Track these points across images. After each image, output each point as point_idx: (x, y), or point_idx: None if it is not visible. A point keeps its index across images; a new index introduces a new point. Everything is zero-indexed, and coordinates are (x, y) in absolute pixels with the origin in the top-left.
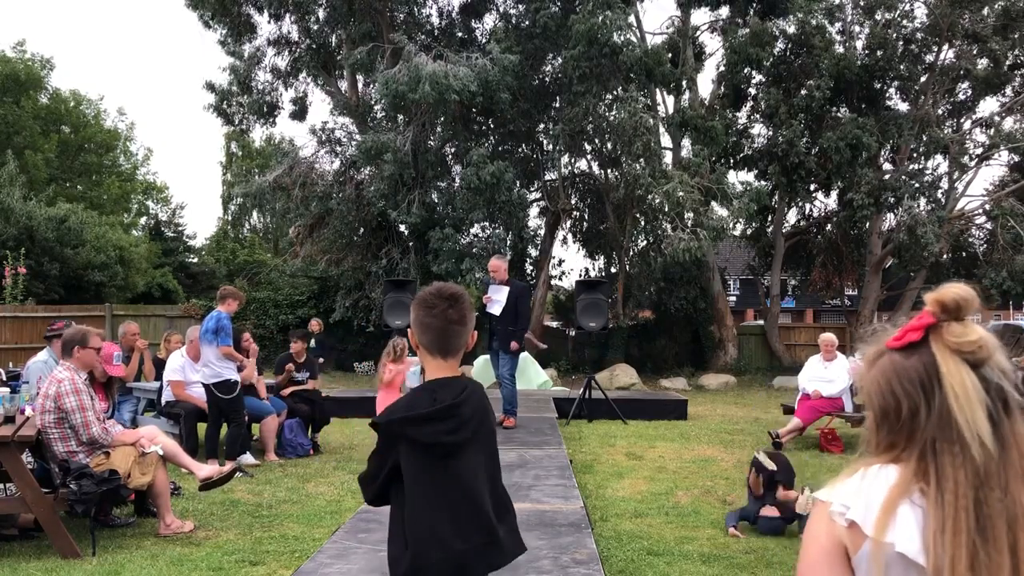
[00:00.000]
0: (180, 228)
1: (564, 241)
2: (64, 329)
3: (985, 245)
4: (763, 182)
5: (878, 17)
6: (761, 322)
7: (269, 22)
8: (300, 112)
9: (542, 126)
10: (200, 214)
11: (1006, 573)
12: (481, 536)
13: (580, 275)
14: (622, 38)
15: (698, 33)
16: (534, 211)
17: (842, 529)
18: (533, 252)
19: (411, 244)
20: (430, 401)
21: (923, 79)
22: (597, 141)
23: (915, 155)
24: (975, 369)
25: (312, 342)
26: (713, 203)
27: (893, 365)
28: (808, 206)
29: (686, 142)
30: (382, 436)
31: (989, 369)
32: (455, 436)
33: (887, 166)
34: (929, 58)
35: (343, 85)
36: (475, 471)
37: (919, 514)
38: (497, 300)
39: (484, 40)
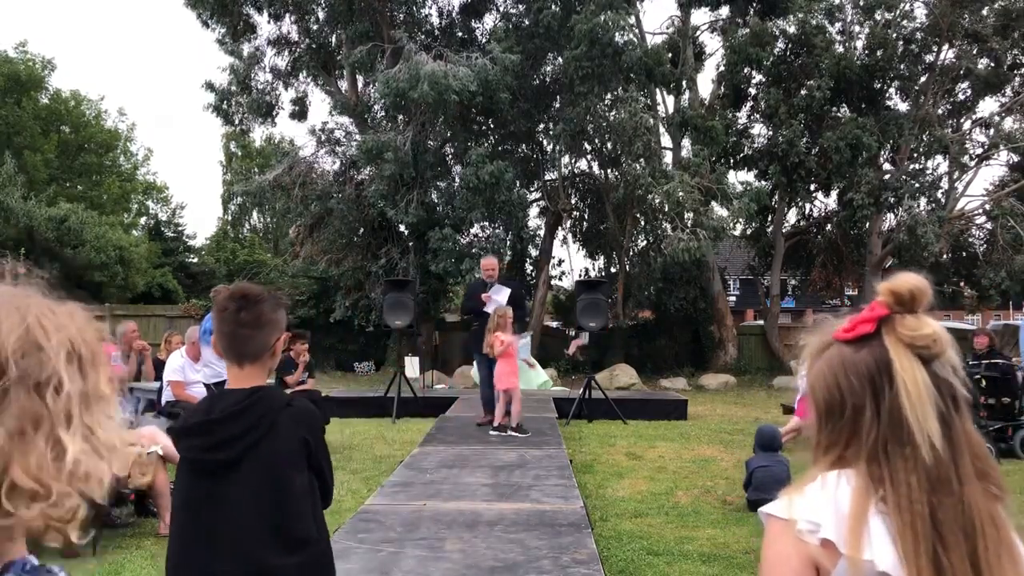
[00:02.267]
0: (180, 228)
1: (564, 241)
2: None
3: (985, 245)
4: (763, 182)
5: (878, 17)
6: (761, 322)
7: (269, 22)
8: (300, 112)
9: (542, 126)
10: (200, 214)
11: None
12: (242, 566)
13: (580, 275)
14: (624, 38)
15: (698, 33)
16: (534, 211)
17: (814, 548)
18: (533, 252)
19: (411, 244)
20: (204, 412)
21: (923, 79)
22: (597, 141)
23: (915, 155)
24: (927, 365)
25: None
26: (713, 203)
27: (841, 358)
28: (808, 206)
29: (686, 142)
30: None
31: (940, 365)
32: (213, 454)
33: (887, 166)
34: (929, 58)
35: (343, 85)
36: (245, 495)
37: (886, 523)
38: (497, 300)
39: (484, 40)
